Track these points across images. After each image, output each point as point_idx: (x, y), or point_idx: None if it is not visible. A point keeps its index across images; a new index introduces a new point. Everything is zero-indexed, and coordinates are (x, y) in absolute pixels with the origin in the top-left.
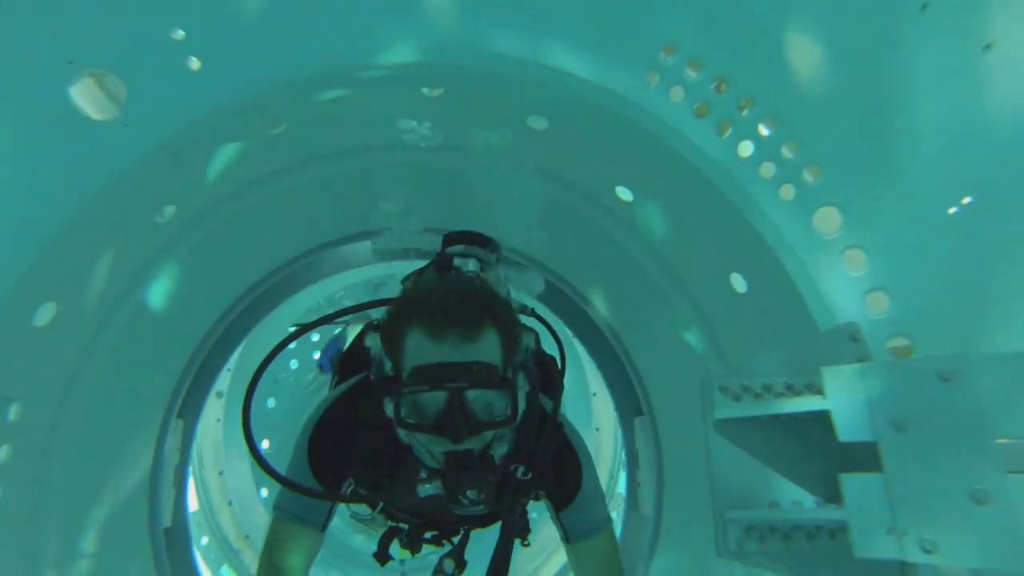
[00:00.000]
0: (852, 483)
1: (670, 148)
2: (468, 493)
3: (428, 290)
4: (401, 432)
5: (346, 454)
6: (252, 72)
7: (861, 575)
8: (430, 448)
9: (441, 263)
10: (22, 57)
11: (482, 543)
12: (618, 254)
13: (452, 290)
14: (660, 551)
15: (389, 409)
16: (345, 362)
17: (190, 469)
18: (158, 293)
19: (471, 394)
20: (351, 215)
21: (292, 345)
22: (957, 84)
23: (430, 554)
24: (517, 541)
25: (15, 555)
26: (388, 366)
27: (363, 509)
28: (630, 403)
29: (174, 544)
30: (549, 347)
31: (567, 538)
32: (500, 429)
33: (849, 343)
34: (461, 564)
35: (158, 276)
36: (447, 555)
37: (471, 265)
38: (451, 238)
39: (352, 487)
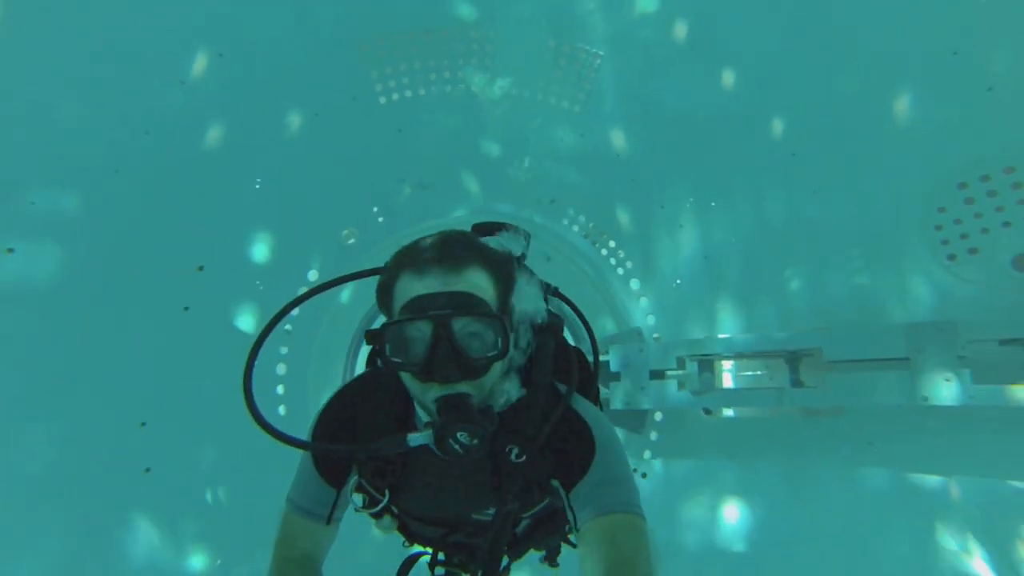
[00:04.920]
0: (613, 385)
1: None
2: (459, 435)
3: (416, 240)
4: (406, 379)
5: (342, 456)
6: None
7: (616, 417)
8: (423, 399)
9: None
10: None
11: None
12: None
13: (439, 234)
14: None
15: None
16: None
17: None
18: (346, 296)
19: (458, 325)
20: None
21: None
22: (672, 242)
23: None
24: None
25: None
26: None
27: (363, 504)
28: None
29: None
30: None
31: (575, 523)
32: (491, 363)
33: (637, 335)
34: None
35: (346, 289)
36: None
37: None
38: (480, 227)
39: (356, 480)
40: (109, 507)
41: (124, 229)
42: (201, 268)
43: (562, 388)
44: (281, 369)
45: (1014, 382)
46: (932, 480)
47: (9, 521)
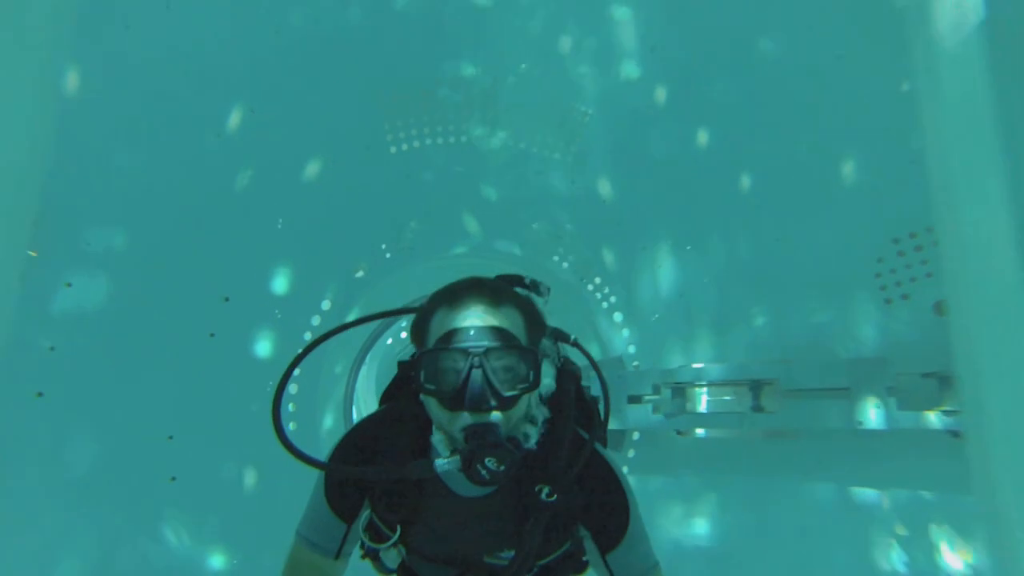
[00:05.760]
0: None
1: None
2: (487, 461)
3: (452, 283)
4: (433, 408)
5: (364, 479)
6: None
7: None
8: (450, 428)
9: None
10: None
11: None
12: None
13: (473, 277)
14: None
15: (415, 374)
16: (384, 400)
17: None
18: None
19: (493, 357)
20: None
21: None
22: (652, 280)
23: None
24: None
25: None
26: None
27: (377, 540)
28: None
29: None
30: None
31: None
32: (522, 395)
33: (618, 362)
34: None
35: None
36: None
37: None
38: (505, 279)
39: (368, 514)
40: (138, 512)
41: (161, 264)
42: (227, 299)
43: (583, 433)
44: (292, 388)
45: (929, 408)
46: (869, 493)
47: (51, 522)
